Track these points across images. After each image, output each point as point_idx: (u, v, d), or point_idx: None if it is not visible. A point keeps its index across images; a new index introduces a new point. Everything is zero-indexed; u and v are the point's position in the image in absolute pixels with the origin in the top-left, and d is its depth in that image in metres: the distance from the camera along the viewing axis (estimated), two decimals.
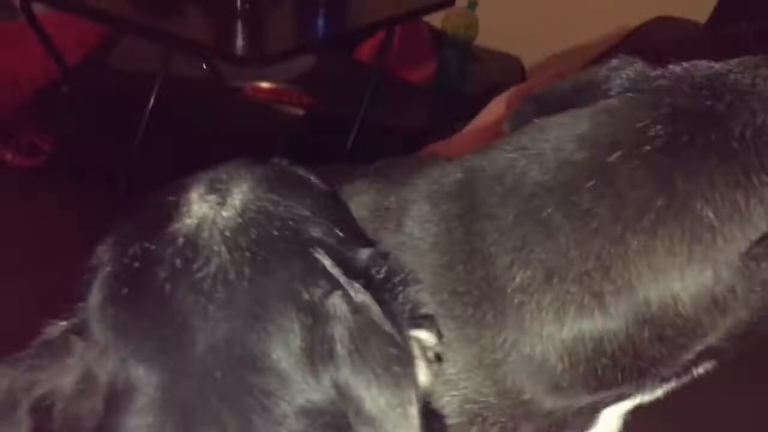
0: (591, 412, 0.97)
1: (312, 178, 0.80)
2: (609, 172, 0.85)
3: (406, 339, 0.69)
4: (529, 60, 3.64)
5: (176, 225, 0.70)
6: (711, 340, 0.87)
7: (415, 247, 0.91)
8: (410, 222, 0.93)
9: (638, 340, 0.85)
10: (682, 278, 0.82)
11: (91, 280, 0.73)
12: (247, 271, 0.67)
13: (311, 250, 0.69)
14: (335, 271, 0.68)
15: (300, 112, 3.42)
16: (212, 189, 0.73)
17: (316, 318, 0.66)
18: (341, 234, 0.73)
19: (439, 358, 0.74)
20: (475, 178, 0.92)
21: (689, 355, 0.89)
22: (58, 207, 3.46)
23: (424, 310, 0.74)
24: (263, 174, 0.75)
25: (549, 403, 0.92)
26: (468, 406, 0.91)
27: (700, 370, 0.94)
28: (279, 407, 0.64)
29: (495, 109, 2.71)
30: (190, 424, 0.64)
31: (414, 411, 0.64)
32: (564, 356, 0.87)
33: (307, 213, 0.73)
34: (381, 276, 0.72)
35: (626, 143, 0.85)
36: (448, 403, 0.89)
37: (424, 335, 0.73)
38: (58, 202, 3.45)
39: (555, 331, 0.86)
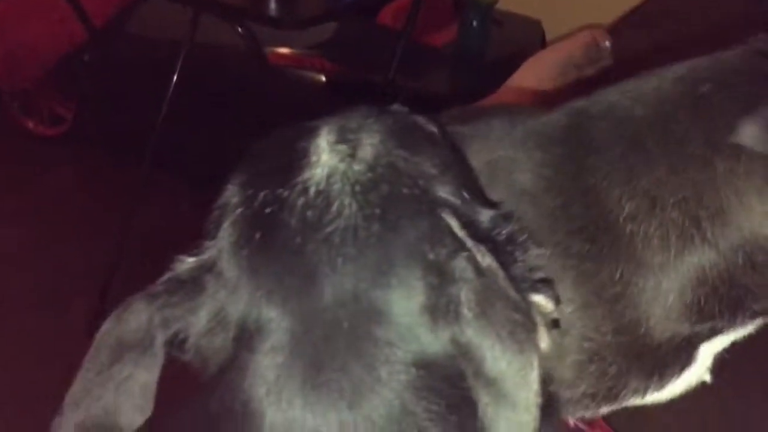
0: (690, 348, 1.00)
1: (437, 132, 0.82)
2: (701, 102, 0.92)
3: (530, 305, 0.72)
4: (550, 24, 3.63)
5: (307, 174, 0.72)
6: None
7: (530, 195, 0.95)
8: (523, 172, 0.97)
9: (733, 267, 0.91)
10: (762, 201, 0.87)
11: (220, 220, 0.75)
12: (376, 227, 0.69)
13: (439, 210, 0.72)
14: (461, 233, 0.71)
15: (322, 77, 3.41)
16: (343, 138, 0.74)
17: (441, 277, 0.69)
18: (466, 194, 0.76)
19: (556, 324, 0.76)
20: (582, 120, 0.96)
21: None
22: (80, 177, 3.47)
23: (542, 274, 0.76)
24: (392, 126, 0.77)
25: (659, 335, 0.96)
26: (586, 344, 0.96)
27: None
28: (399, 358, 0.67)
29: (527, 71, 2.72)
30: (319, 368, 0.67)
31: (535, 376, 0.66)
32: (674, 285, 0.92)
33: (434, 171, 0.75)
34: (503, 238, 0.75)
35: (716, 78, 0.93)
36: (567, 343, 0.92)
37: (543, 300, 0.75)
38: (82, 172, 3.46)
39: (664, 260, 0.92)
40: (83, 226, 3.12)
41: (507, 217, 0.77)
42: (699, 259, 0.91)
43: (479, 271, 0.69)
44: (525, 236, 0.77)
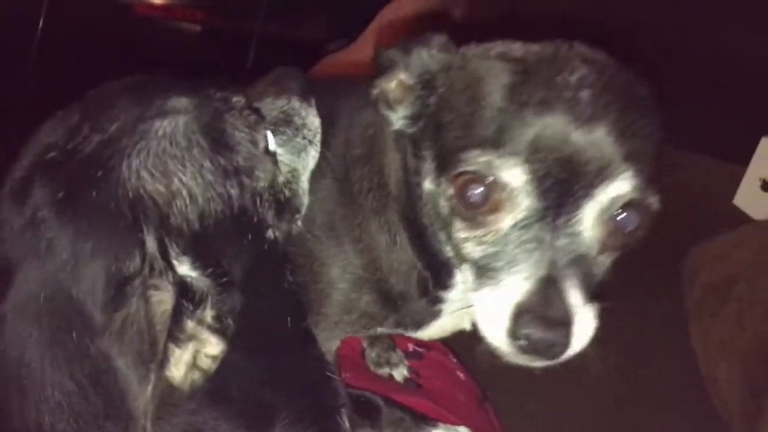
0: (431, 305, 1.22)
1: None
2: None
3: None
4: None
5: None
6: None
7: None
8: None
9: None
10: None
11: None
12: None
13: None
14: None
15: (197, 27, 3.34)
16: None
17: None
18: None
19: None
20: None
21: None
22: None
23: None
24: None
25: (395, 284, 1.18)
26: (348, 275, 1.19)
27: None
28: None
29: (391, 10, 2.79)
30: None
31: None
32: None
33: None
34: None
35: None
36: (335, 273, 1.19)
37: None
38: None
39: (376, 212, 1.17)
40: None
41: None
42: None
43: None
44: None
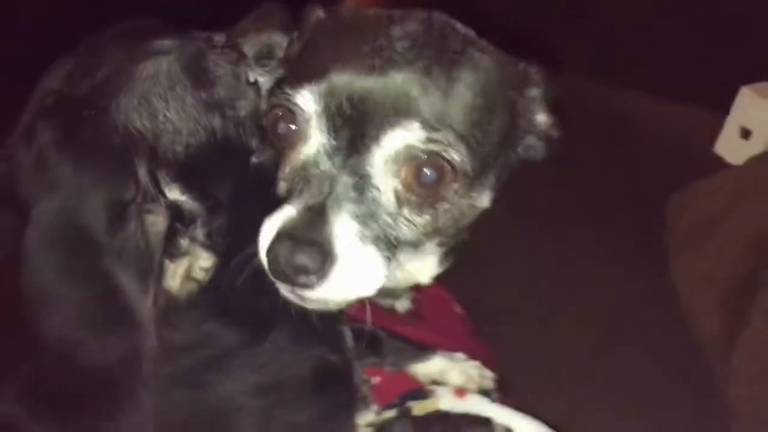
0: None
1: None
2: None
3: None
4: None
5: None
6: None
7: None
8: None
9: None
10: None
11: None
12: None
13: None
14: None
15: None
16: None
17: None
18: None
19: None
20: None
21: None
22: None
23: None
24: None
25: None
26: None
27: None
28: None
29: None
30: None
31: None
32: None
33: None
34: None
35: None
36: None
37: None
38: None
39: None
40: None
41: None
42: None
43: None
44: None
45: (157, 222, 0.91)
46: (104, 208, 0.91)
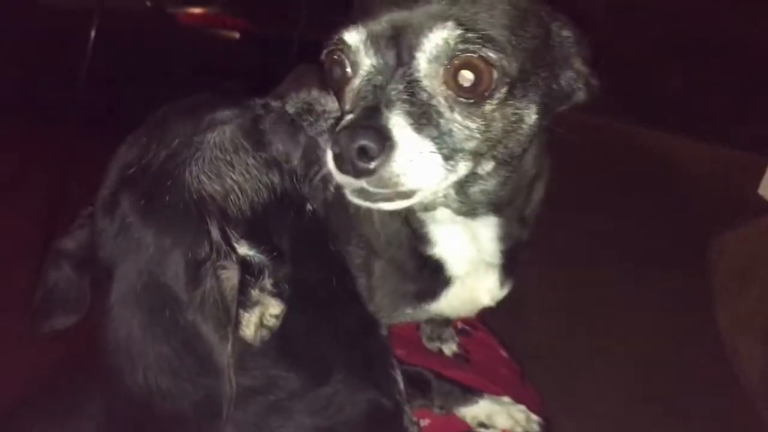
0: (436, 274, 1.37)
1: None
2: None
3: None
4: None
5: None
6: None
7: None
8: None
9: None
10: None
11: None
12: None
13: None
14: None
15: (236, 35, 3.53)
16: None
17: None
18: None
19: None
20: None
21: None
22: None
23: None
24: None
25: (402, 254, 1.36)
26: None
27: None
28: None
29: None
30: None
31: None
32: None
33: None
34: None
35: None
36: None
37: None
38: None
39: None
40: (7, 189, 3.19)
41: None
42: None
43: None
44: None
45: (231, 276, 1.00)
46: (183, 267, 1.00)
